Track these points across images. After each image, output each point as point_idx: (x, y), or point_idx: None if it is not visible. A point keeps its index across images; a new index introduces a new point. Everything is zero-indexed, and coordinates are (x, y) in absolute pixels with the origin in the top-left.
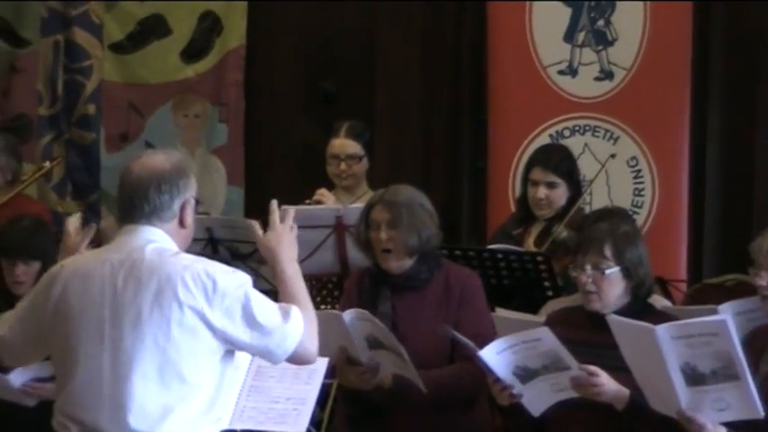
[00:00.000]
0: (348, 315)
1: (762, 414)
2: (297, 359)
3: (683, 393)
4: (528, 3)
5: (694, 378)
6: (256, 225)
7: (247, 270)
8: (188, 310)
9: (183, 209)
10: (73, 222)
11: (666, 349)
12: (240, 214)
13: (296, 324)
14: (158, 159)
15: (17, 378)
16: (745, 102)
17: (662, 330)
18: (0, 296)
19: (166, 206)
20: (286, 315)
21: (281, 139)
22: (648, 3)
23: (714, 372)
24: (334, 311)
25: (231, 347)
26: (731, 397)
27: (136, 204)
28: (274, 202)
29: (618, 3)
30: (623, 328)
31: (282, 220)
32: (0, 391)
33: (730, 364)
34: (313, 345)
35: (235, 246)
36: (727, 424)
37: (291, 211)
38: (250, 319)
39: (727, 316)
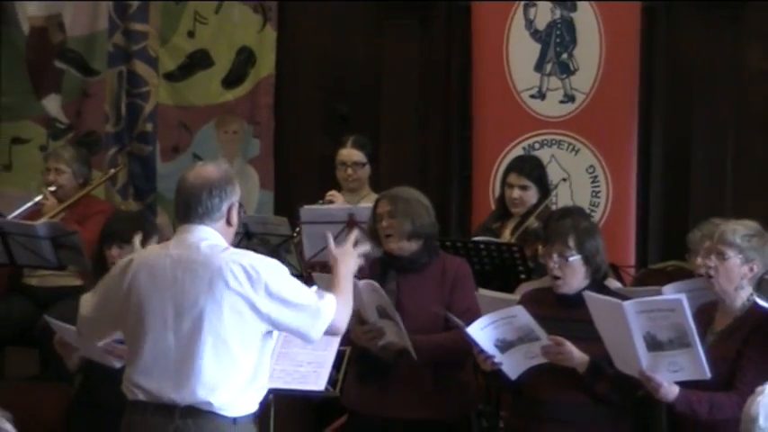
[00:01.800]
0: (363, 284)
1: (708, 376)
2: (329, 332)
3: (644, 357)
4: (505, 39)
5: (654, 345)
6: (330, 236)
7: (276, 258)
8: (236, 297)
9: (229, 210)
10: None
11: (632, 321)
12: (270, 213)
13: (328, 308)
14: (209, 169)
15: None
16: (682, 120)
17: (628, 305)
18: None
19: (216, 208)
20: (320, 299)
21: (303, 152)
22: (604, 40)
23: (670, 340)
24: (354, 279)
25: (273, 328)
26: (684, 361)
27: (191, 207)
28: (355, 232)
29: (579, 39)
30: (596, 303)
31: (355, 244)
32: (90, 352)
33: (684, 334)
34: (343, 321)
35: (266, 238)
36: (679, 383)
37: (366, 246)
38: (289, 302)
39: (682, 295)
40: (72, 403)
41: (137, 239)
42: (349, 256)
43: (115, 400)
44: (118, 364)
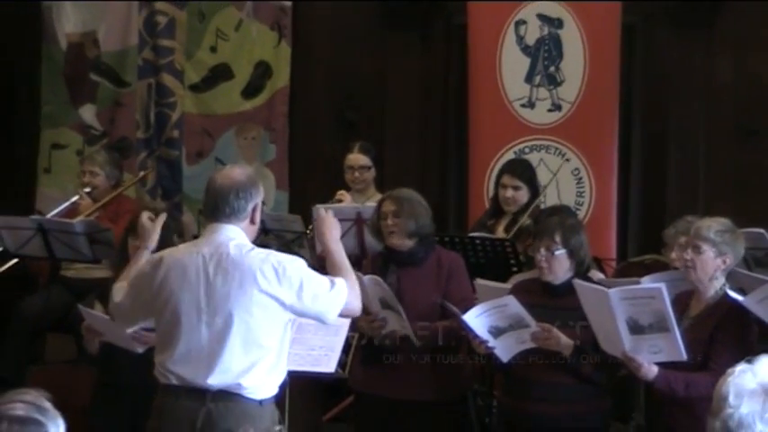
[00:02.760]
0: (367, 278)
1: (685, 358)
2: (345, 315)
3: (627, 339)
4: (498, 54)
5: (636, 329)
6: (318, 210)
7: (290, 252)
8: (264, 293)
9: (254, 210)
10: (145, 215)
11: (616, 307)
12: (285, 211)
13: (341, 292)
14: (236, 172)
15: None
16: (658, 128)
17: (613, 293)
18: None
19: (242, 208)
20: (332, 286)
21: (315, 155)
22: (587, 54)
23: (651, 325)
24: (359, 273)
25: (296, 316)
26: (663, 344)
27: (219, 207)
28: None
29: (565, 54)
30: (584, 290)
31: (324, 215)
32: (115, 337)
33: (663, 319)
34: (357, 302)
35: (281, 234)
36: (658, 363)
37: (329, 211)
38: (310, 292)
39: (662, 284)
40: (94, 386)
41: (144, 215)
42: (330, 227)
43: (134, 382)
44: (140, 350)
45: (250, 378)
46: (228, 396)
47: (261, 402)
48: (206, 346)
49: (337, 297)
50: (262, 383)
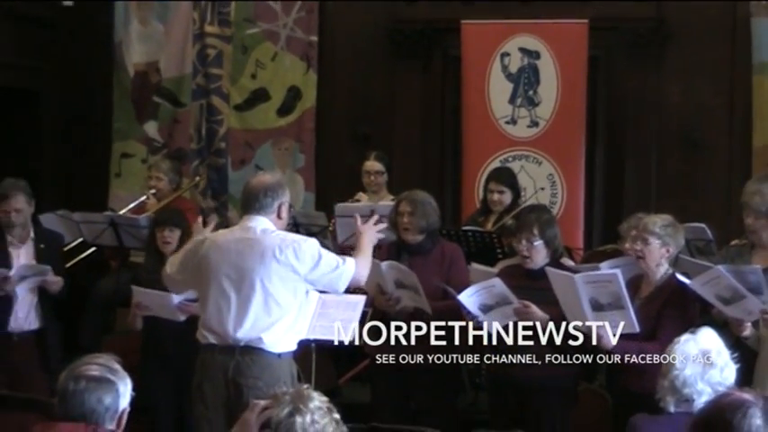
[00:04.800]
0: (384, 264)
1: (638, 330)
2: (354, 284)
3: (590, 316)
4: (486, 80)
5: (597, 306)
6: (358, 217)
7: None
8: (282, 265)
9: (279, 207)
10: (200, 220)
11: (581, 289)
12: (312, 209)
13: (348, 268)
14: (266, 176)
15: (175, 298)
16: (618, 141)
17: (578, 278)
18: (154, 254)
19: (269, 204)
20: (343, 261)
21: (336, 163)
22: (560, 80)
23: (609, 303)
24: (375, 260)
25: (310, 286)
26: (620, 319)
27: (251, 202)
28: (376, 216)
29: (542, 80)
30: (555, 276)
31: (365, 222)
32: (161, 309)
33: (618, 299)
34: (363, 276)
35: (309, 227)
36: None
37: (375, 217)
38: (321, 265)
39: (618, 270)
40: (141, 353)
41: (199, 221)
42: (370, 230)
43: (175, 350)
44: (182, 317)
45: (270, 334)
46: (252, 350)
47: (279, 355)
48: (234, 307)
49: (345, 271)
50: (280, 339)
